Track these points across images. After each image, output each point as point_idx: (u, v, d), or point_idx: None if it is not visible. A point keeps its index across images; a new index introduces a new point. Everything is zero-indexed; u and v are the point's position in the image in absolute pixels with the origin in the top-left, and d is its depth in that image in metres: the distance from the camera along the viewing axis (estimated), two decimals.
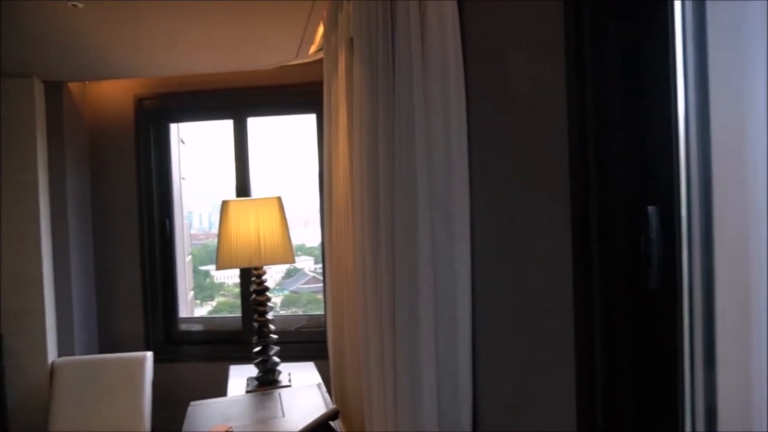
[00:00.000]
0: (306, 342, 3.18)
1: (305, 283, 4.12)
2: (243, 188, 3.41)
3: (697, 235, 0.97)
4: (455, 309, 1.32)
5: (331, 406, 2.26)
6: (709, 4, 0.97)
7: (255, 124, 3.46)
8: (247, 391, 2.65)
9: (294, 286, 4.20)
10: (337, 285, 2.31)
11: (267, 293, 2.76)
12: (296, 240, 3.52)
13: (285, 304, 4.14)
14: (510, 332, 1.20)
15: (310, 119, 3.39)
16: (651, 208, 0.98)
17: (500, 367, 1.21)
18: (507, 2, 1.17)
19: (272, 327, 2.78)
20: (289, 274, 4.20)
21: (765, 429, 0.90)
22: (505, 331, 1.20)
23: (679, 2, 0.98)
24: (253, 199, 2.79)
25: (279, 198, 2.77)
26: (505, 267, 1.20)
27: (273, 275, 4.01)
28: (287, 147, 3.71)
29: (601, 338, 1.05)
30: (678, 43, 0.97)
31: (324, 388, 2.53)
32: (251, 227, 2.69)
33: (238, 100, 3.36)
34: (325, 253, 2.54)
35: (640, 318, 1.01)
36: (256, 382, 2.74)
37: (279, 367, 2.78)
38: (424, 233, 1.35)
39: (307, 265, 4.07)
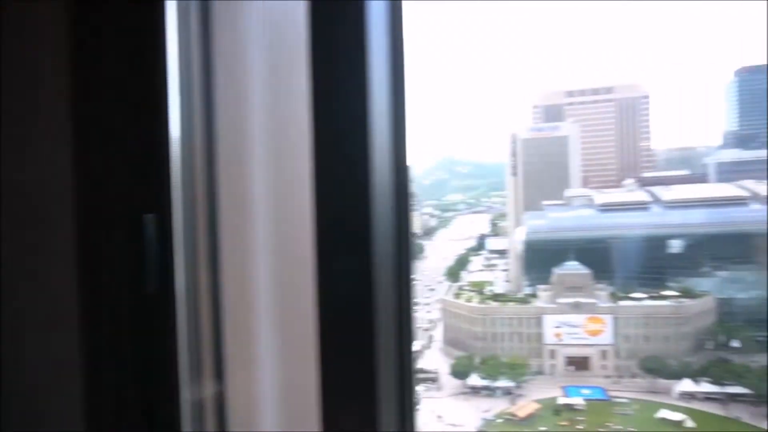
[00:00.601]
0: None
1: None
2: None
3: (197, 241, 1.05)
4: None
5: None
6: (213, 6, 1.03)
7: None
8: None
9: None
10: None
11: None
12: None
13: None
14: (20, 337, 1.19)
15: None
16: (147, 216, 1.03)
17: (16, 372, 1.20)
18: (16, 2, 1.15)
19: None
20: None
21: (271, 421, 1.07)
22: (22, 335, 1.19)
23: (174, 3, 1.02)
24: None
25: None
26: (13, 272, 1.19)
27: None
28: None
29: (107, 342, 1.09)
30: (172, 45, 1.01)
31: None
32: None
33: None
34: None
35: (142, 321, 1.07)
36: None
37: None
38: None
39: None
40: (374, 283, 0.98)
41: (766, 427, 36.69)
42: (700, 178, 58.83)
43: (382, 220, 1.01)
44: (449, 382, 47.01)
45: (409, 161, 1.06)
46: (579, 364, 48.63)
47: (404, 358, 1.06)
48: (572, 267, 51.15)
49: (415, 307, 1.04)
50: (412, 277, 1.04)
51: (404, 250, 1.07)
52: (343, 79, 0.98)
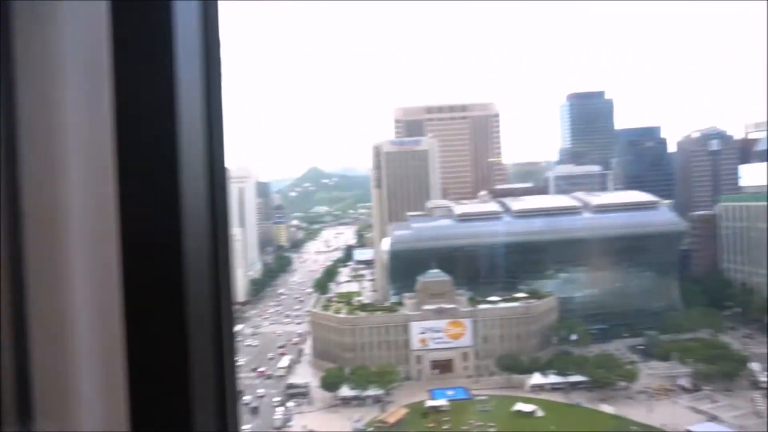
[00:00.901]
0: None
1: None
2: None
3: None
4: None
5: None
6: (13, 6, 0.90)
7: None
8: None
9: None
10: None
11: None
12: None
13: None
14: None
15: None
16: None
17: None
18: None
19: None
20: None
21: None
22: None
23: None
24: None
25: None
26: None
27: None
28: None
29: None
30: None
31: None
32: None
33: None
34: None
35: None
36: None
37: None
38: None
39: None
40: (186, 299, 0.92)
41: (599, 409, 41.11)
42: (542, 190, 65.97)
43: (194, 234, 0.94)
44: (320, 395, 47.02)
45: (225, 169, 1.03)
46: (443, 367, 51.53)
47: (225, 373, 1.00)
48: (434, 275, 54.19)
49: (234, 315, 1.02)
50: (229, 283, 1.01)
51: (222, 263, 1.00)
52: (148, 84, 0.91)
